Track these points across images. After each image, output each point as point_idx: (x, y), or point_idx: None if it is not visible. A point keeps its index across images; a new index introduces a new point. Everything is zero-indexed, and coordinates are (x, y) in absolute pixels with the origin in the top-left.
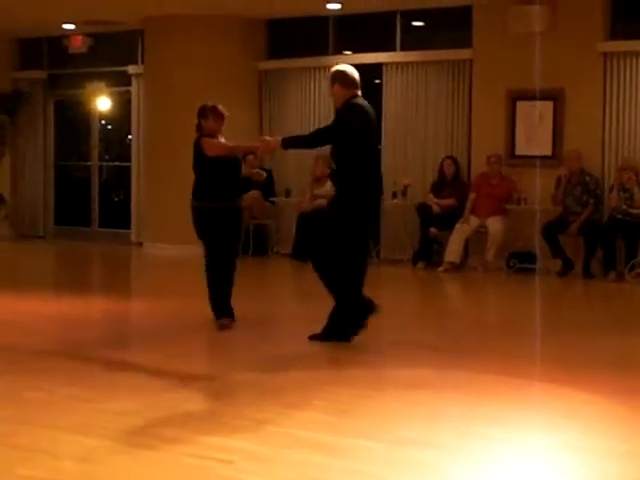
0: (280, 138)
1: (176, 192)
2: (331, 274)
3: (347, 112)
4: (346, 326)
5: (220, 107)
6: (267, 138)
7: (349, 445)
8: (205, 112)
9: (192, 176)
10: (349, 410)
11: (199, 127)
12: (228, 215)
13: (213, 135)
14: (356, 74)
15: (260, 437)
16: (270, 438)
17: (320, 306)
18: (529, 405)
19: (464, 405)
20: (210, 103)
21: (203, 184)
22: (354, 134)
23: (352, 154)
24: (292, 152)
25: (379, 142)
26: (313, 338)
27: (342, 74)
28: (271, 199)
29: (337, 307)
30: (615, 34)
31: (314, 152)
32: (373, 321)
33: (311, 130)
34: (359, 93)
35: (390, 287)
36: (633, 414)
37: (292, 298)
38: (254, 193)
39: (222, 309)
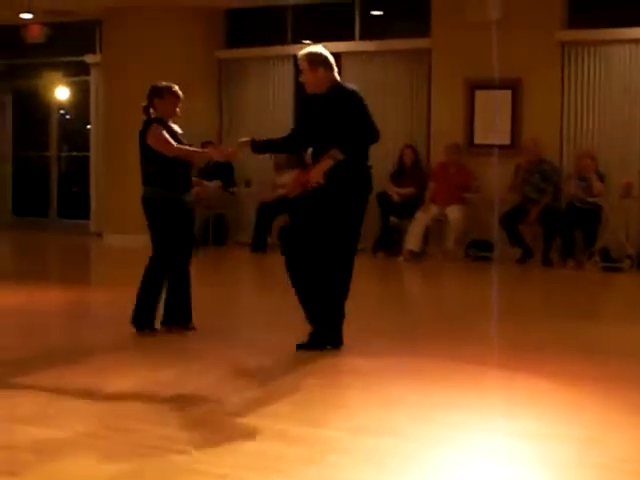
0: (248, 140)
1: (135, 182)
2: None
3: (343, 98)
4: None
5: (176, 87)
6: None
7: (305, 434)
8: (161, 91)
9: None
10: (305, 399)
11: (149, 109)
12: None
13: (166, 119)
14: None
15: (215, 426)
16: (225, 428)
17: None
18: (487, 391)
19: (422, 392)
20: (164, 83)
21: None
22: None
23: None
24: None
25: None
26: (300, 347)
27: (325, 57)
28: (231, 189)
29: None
30: (573, 23)
31: None
32: None
33: (268, 120)
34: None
35: None
36: (591, 401)
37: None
38: (215, 183)
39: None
